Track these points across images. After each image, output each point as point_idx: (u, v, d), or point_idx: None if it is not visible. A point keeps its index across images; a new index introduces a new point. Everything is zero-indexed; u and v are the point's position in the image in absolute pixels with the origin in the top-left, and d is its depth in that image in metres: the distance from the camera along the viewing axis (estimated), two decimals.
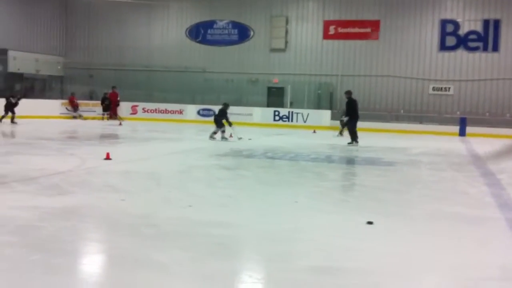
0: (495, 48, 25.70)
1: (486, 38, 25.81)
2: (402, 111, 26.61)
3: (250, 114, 26.99)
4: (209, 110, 26.58)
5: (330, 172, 11.07)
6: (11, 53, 27.48)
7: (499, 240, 5.67)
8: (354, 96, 17.81)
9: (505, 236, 5.87)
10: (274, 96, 28.33)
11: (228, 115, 17.08)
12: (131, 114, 28.15)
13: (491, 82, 25.79)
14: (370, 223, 5.99)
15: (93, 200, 6.90)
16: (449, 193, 8.66)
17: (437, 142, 19.14)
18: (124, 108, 27.84)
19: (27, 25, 28.85)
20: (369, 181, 9.62)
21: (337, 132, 20.98)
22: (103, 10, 30.86)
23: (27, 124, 21.34)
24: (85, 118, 27.33)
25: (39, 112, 25.29)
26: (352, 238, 5.48)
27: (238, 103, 28.01)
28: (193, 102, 28.54)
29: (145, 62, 30.19)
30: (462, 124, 24.01)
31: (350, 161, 13.43)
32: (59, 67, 30.76)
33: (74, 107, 28.03)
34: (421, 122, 25.75)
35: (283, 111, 26.95)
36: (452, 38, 26.25)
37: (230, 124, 16.98)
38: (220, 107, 17.56)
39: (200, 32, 29.69)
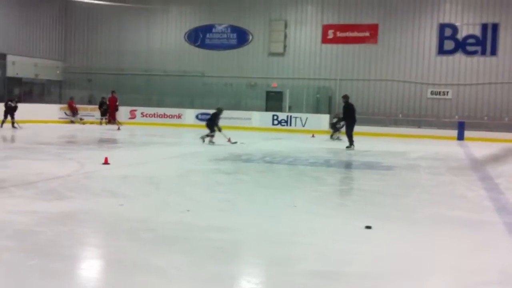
0: (493, 52, 25.74)
1: (484, 42, 25.85)
2: (400, 115, 26.62)
3: (249, 118, 27.01)
4: (208, 114, 26.36)
5: (328, 176, 11.07)
6: (9, 58, 27.47)
7: (497, 244, 5.67)
8: (352, 100, 17.90)
9: (503, 240, 5.87)
10: (273, 100, 28.34)
11: (219, 120, 17.21)
12: (130, 118, 28.12)
13: (489, 86, 25.82)
14: (368, 227, 5.99)
15: (91, 205, 6.89)
16: (447, 197, 8.67)
17: (435, 146, 19.15)
18: (122, 112, 27.83)
19: (26, 30, 28.85)
20: (367, 185, 9.62)
21: (328, 136, 21.36)
22: (102, 15, 30.88)
23: (26, 129, 21.33)
24: (84, 123, 27.34)
25: (37, 117, 25.28)
26: (351, 242, 5.48)
27: (237, 107, 28.06)
28: (192, 106, 28.54)
29: (144, 66, 30.20)
30: (461, 128, 24.02)
31: (349, 166, 13.43)
32: (58, 72, 30.74)
33: (73, 111, 28.05)
34: (419, 126, 25.77)
35: (282, 115, 26.97)
36: (451, 42, 26.29)
37: (219, 129, 17.06)
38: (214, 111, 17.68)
39: (199, 36, 29.72)
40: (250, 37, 28.97)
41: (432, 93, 26.53)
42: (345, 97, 17.67)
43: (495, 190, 9.38)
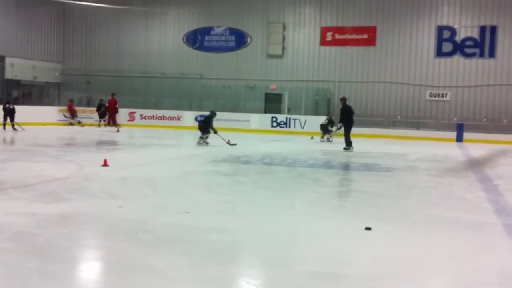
0: (492, 54, 25.79)
1: (482, 44, 25.90)
2: (399, 117, 26.64)
3: (248, 121, 27.01)
4: None
5: (327, 178, 11.07)
6: (8, 60, 27.47)
7: (496, 245, 5.67)
8: (351, 102, 17.96)
9: (502, 241, 5.87)
10: (272, 102, 28.35)
11: (213, 123, 17.35)
12: (129, 120, 28.11)
13: (488, 88, 25.87)
14: (368, 229, 6.00)
15: (90, 207, 6.89)
16: (446, 199, 8.67)
17: (434, 148, 19.17)
18: (121, 114, 27.81)
19: (24, 32, 28.85)
20: (366, 187, 9.63)
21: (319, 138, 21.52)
22: (100, 17, 30.88)
23: (25, 131, 21.32)
24: (83, 125, 27.33)
25: (36, 119, 25.25)
26: (350, 243, 5.48)
27: (236, 109, 28.10)
28: (190, 108, 28.53)
29: (143, 68, 30.20)
30: (459, 130, 24.05)
31: (348, 167, 13.44)
32: (56, 74, 30.73)
33: (72, 113, 28.04)
34: (418, 128, 25.78)
35: (281, 117, 26.97)
36: (449, 44, 26.34)
37: (215, 131, 17.11)
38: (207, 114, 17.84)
39: (197, 39, 29.74)
40: (249, 39, 29.00)
41: (430, 95, 26.57)
42: (343, 100, 17.75)
43: (494, 192, 9.39)
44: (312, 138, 22.75)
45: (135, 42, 30.52)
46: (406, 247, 5.44)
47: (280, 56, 28.45)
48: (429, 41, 26.62)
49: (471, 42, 26.06)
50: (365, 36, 27.30)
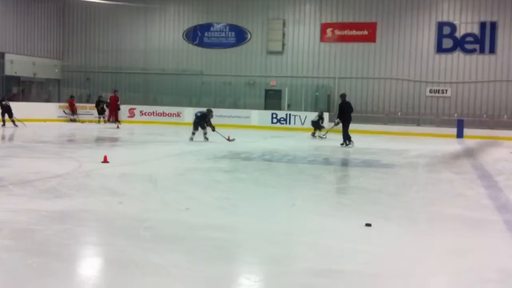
0: (492, 50, 25.76)
1: (482, 40, 25.87)
2: (399, 113, 26.62)
3: (248, 117, 26.99)
4: None
5: (327, 174, 11.06)
6: (8, 57, 27.44)
7: (497, 242, 5.66)
8: (351, 98, 17.95)
9: (503, 238, 5.86)
10: (272, 99, 28.34)
11: (211, 120, 17.35)
12: (129, 117, 28.10)
13: (488, 84, 25.85)
14: (368, 225, 5.99)
15: (90, 203, 6.88)
16: (446, 195, 8.66)
17: (434, 145, 19.15)
18: (121, 111, 27.75)
19: (24, 29, 28.80)
20: (366, 183, 9.62)
21: (314, 133, 21.44)
22: (100, 13, 30.83)
23: (26, 127, 21.30)
24: (83, 121, 27.34)
25: (36, 115, 25.25)
26: (351, 240, 5.47)
27: (236, 105, 28.09)
28: (190, 105, 28.49)
29: (142, 65, 30.18)
30: (460, 126, 24.02)
31: (348, 164, 13.43)
32: (56, 70, 30.69)
33: (73, 110, 28.03)
34: (418, 124, 25.77)
35: (281, 114, 26.95)
36: (449, 40, 26.30)
37: (213, 128, 17.11)
38: (206, 109, 17.82)
39: (197, 35, 29.69)
40: (249, 36, 28.95)
41: (431, 91, 26.55)
42: (342, 96, 17.77)
43: (495, 188, 9.39)
44: (312, 134, 22.70)
45: (135, 39, 30.47)
46: (406, 244, 5.43)
47: (280, 53, 28.40)
48: (429, 37, 26.57)
49: (471, 38, 26.03)
50: (365, 33, 27.25)
